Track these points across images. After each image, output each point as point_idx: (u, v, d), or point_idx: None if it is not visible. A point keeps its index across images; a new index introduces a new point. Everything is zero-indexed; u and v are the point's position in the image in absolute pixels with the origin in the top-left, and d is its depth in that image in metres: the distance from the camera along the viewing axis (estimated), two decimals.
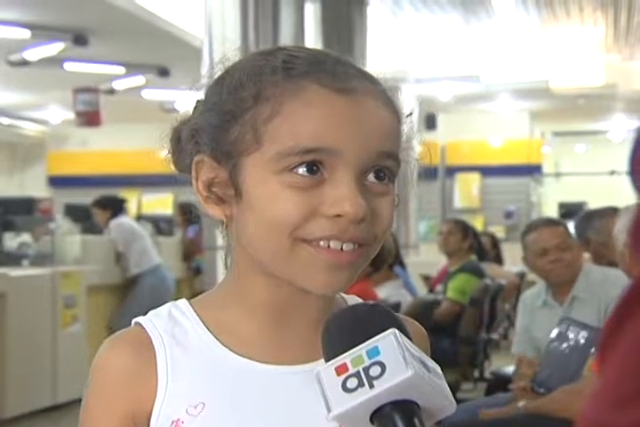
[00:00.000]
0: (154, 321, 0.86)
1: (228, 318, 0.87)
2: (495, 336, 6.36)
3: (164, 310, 0.88)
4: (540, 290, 3.42)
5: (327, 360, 0.73)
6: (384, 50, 8.93)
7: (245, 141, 0.81)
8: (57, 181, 14.58)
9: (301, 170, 0.79)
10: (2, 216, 6.74)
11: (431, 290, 6.32)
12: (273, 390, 0.83)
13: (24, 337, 5.57)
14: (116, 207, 7.24)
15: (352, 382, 0.69)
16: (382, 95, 0.84)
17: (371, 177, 0.82)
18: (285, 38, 5.17)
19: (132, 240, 7.02)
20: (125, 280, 7.01)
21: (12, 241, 6.55)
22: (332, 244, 0.80)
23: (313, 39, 6.08)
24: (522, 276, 7.83)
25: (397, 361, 0.69)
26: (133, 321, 0.88)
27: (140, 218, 9.13)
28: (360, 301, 0.93)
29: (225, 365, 0.84)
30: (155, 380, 0.83)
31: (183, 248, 8.38)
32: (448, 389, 0.73)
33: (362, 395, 0.68)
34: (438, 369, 0.73)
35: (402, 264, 5.17)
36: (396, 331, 0.72)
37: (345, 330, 0.74)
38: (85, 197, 8.85)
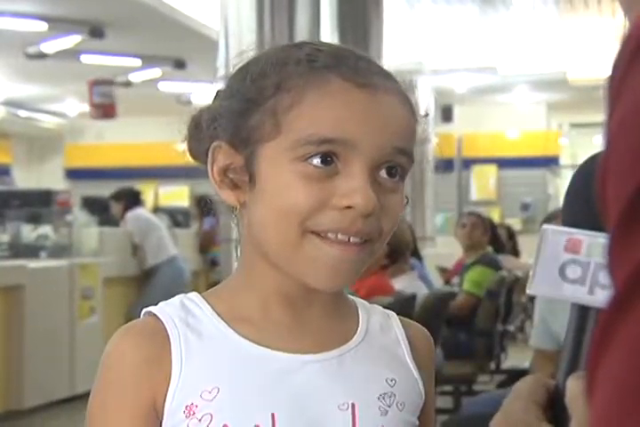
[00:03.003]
0: (166, 310, 0.87)
1: (241, 307, 0.87)
2: (511, 328, 6.34)
3: (175, 300, 0.88)
4: None
5: (565, 219, 0.59)
6: (400, 41, 8.91)
7: (264, 129, 0.83)
8: (74, 174, 14.63)
9: (315, 160, 0.81)
10: (20, 208, 6.77)
11: (447, 282, 6.32)
12: (287, 377, 0.84)
13: (42, 329, 5.60)
14: (132, 199, 7.27)
15: (573, 271, 0.59)
16: (401, 94, 0.86)
17: (383, 173, 0.83)
18: (301, 29, 5.16)
19: (149, 232, 7.05)
20: (142, 272, 7.04)
21: (30, 233, 6.58)
22: (340, 236, 0.81)
23: (329, 30, 6.06)
24: None
25: None
26: (144, 311, 0.88)
27: (156, 210, 9.16)
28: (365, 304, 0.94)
29: (239, 351, 0.84)
30: (169, 366, 0.83)
31: (199, 240, 8.40)
32: None
33: (573, 293, 0.59)
34: None
35: (418, 256, 5.16)
36: None
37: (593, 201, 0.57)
38: (102, 190, 8.89)
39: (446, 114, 12.76)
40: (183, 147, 0.91)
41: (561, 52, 10.28)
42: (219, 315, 0.86)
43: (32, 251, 6.37)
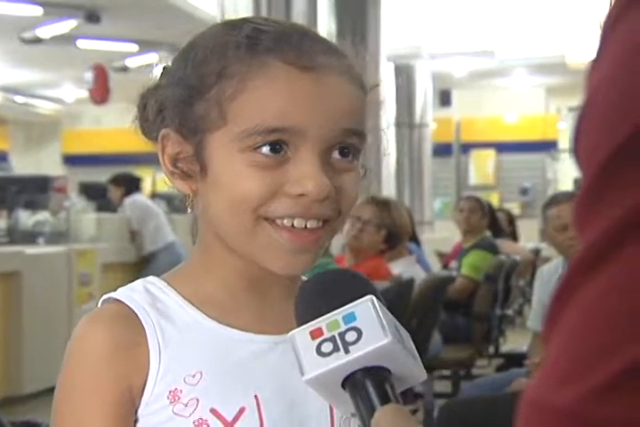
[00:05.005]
0: (132, 296, 0.85)
1: (205, 289, 0.87)
2: (510, 312, 6.35)
3: (137, 285, 0.87)
4: (558, 265, 3.40)
5: (300, 324, 0.72)
6: (398, 26, 8.87)
7: (211, 118, 0.81)
8: (72, 160, 14.61)
9: (265, 149, 0.80)
10: (17, 195, 6.75)
11: (445, 266, 6.32)
12: (263, 358, 0.84)
13: (40, 315, 5.60)
14: (131, 185, 7.25)
15: (327, 347, 0.69)
16: (348, 70, 0.84)
17: (335, 154, 0.82)
18: (298, 13, 5.13)
19: (147, 218, 7.04)
20: (140, 258, 7.04)
21: (27, 219, 6.57)
22: (297, 222, 0.80)
23: (326, 15, 6.03)
24: (537, 252, 7.81)
25: (374, 327, 0.69)
26: (105, 297, 0.87)
27: (154, 196, 9.14)
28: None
29: (214, 335, 0.84)
30: (146, 352, 0.82)
31: (196, 226, 8.38)
32: (418, 356, 0.73)
33: (337, 360, 0.68)
34: (409, 337, 0.73)
35: (416, 241, 5.16)
36: (374, 298, 0.71)
37: (320, 295, 0.73)
38: (99, 176, 8.86)
39: (444, 98, 12.73)
40: (134, 121, 0.90)
41: (559, 35, 10.24)
42: (185, 299, 0.86)
43: (30, 237, 6.36)
